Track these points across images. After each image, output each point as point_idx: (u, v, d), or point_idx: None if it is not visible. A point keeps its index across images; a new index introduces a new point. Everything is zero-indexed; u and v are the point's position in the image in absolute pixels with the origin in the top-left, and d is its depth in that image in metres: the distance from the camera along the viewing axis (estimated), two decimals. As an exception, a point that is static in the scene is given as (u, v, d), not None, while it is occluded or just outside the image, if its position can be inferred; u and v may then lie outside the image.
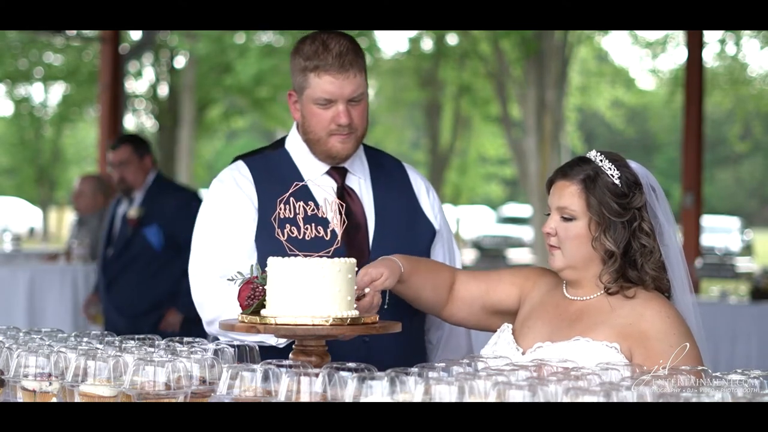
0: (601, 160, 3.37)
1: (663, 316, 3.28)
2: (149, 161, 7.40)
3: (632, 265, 3.34)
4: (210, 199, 3.83)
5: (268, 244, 3.62)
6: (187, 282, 7.10)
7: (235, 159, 3.90)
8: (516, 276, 3.62)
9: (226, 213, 3.75)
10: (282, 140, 3.92)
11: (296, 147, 3.84)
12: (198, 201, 7.48)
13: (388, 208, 3.83)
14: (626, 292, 3.34)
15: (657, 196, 3.40)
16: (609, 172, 3.34)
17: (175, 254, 7.22)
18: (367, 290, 3.35)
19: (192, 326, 7.17)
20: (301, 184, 3.39)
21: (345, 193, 3.78)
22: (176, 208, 7.26)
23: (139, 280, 7.26)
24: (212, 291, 3.63)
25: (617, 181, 3.33)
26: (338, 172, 3.81)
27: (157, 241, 7.23)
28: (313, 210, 3.28)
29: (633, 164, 3.41)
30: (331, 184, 3.79)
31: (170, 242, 7.22)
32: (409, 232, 3.83)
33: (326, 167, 3.80)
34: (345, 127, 3.69)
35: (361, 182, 3.84)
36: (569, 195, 3.35)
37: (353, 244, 3.70)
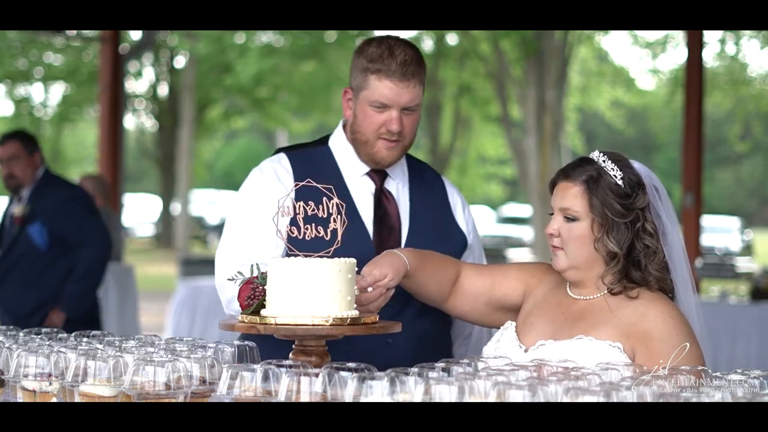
0: (603, 161, 3.36)
1: (666, 317, 3.28)
2: (38, 157, 7.21)
3: (636, 266, 3.34)
4: (247, 187, 3.84)
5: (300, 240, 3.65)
6: (71, 281, 7.02)
7: (277, 151, 3.93)
8: (522, 271, 3.62)
9: (261, 201, 3.75)
10: (326, 137, 3.94)
11: (340, 146, 3.86)
12: (83, 197, 7.34)
13: (423, 214, 3.86)
14: (629, 292, 3.34)
15: (660, 196, 3.40)
16: (612, 173, 3.34)
17: (61, 253, 7.07)
18: (370, 289, 3.35)
19: (76, 326, 7.05)
20: (301, 184, 3.38)
21: (383, 195, 3.81)
22: (59, 205, 7.09)
23: (24, 280, 7.10)
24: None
25: (620, 182, 3.33)
26: (378, 175, 3.83)
27: (42, 240, 7.05)
28: (313, 210, 3.28)
29: (636, 164, 3.40)
30: (370, 186, 3.82)
31: (55, 240, 7.04)
32: (441, 240, 3.84)
33: (367, 168, 3.82)
34: (395, 134, 3.71)
35: (399, 187, 3.87)
36: (572, 196, 3.35)
37: (385, 245, 3.72)
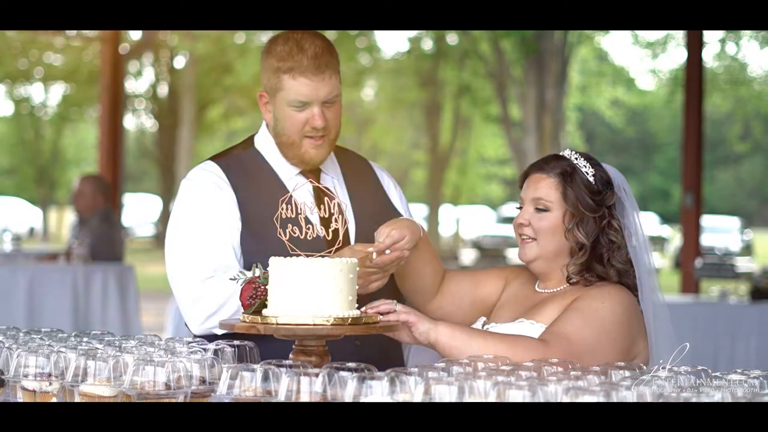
0: (576, 158, 3.47)
1: (605, 293, 3.37)
2: None
3: (598, 260, 3.42)
4: (186, 199, 3.69)
5: (254, 245, 3.60)
6: None
7: (204, 161, 3.81)
8: (503, 270, 3.72)
9: (207, 210, 3.64)
10: (250, 140, 3.84)
11: (268, 147, 3.76)
12: None
13: (364, 205, 3.79)
14: (587, 282, 3.42)
15: (627, 195, 3.49)
16: (584, 170, 3.44)
17: None
18: (387, 252, 3.35)
19: None
20: (302, 184, 3.36)
21: (321, 192, 3.69)
22: None
23: None
24: (209, 285, 3.54)
25: (591, 179, 3.43)
26: (312, 173, 3.75)
27: None
28: (314, 210, 3.27)
29: (605, 166, 3.50)
30: (307, 185, 3.70)
31: None
32: None
33: (299, 168, 3.73)
34: (320, 130, 3.62)
35: (335, 182, 3.79)
36: (546, 187, 3.44)
37: (337, 242, 3.68)
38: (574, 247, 3.42)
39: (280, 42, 3.64)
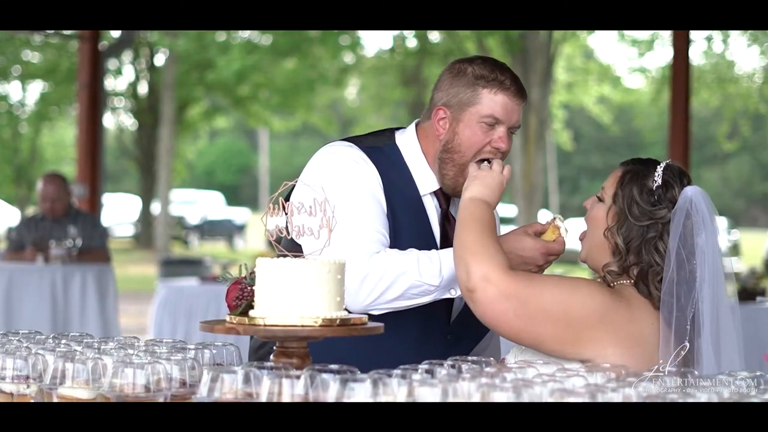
0: (660, 166, 3.31)
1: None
2: None
3: (643, 276, 3.25)
4: (338, 171, 3.57)
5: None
6: None
7: (340, 141, 3.70)
8: None
9: (363, 183, 3.54)
10: (391, 134, 3.73)
11: (413, 154, 3.66)
12: None
13: None
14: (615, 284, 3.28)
15: (695, 226, 3.22)
16: (654, 177, 3.28)
17: None
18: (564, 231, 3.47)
19: None
20: (290, 183, 3.32)
21: (446, 219, 3.68)
22: None
23: None
24: (377, 261, 3.44)
25: (654, 187, 3.27)
26: (444, 197, 3.69)
27: None
28: (303, 209, 3.22)
29: (690, 188, 3.28)
30: (437, 206, 3.67)
31: None
32: None
33: (435, 186, 3.66)
34: (500, 153, 3.57)
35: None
36: (612, 178, 3.34)
37: None
38: (615, 249, 3.26)
39: (478, 60, 3.60)
